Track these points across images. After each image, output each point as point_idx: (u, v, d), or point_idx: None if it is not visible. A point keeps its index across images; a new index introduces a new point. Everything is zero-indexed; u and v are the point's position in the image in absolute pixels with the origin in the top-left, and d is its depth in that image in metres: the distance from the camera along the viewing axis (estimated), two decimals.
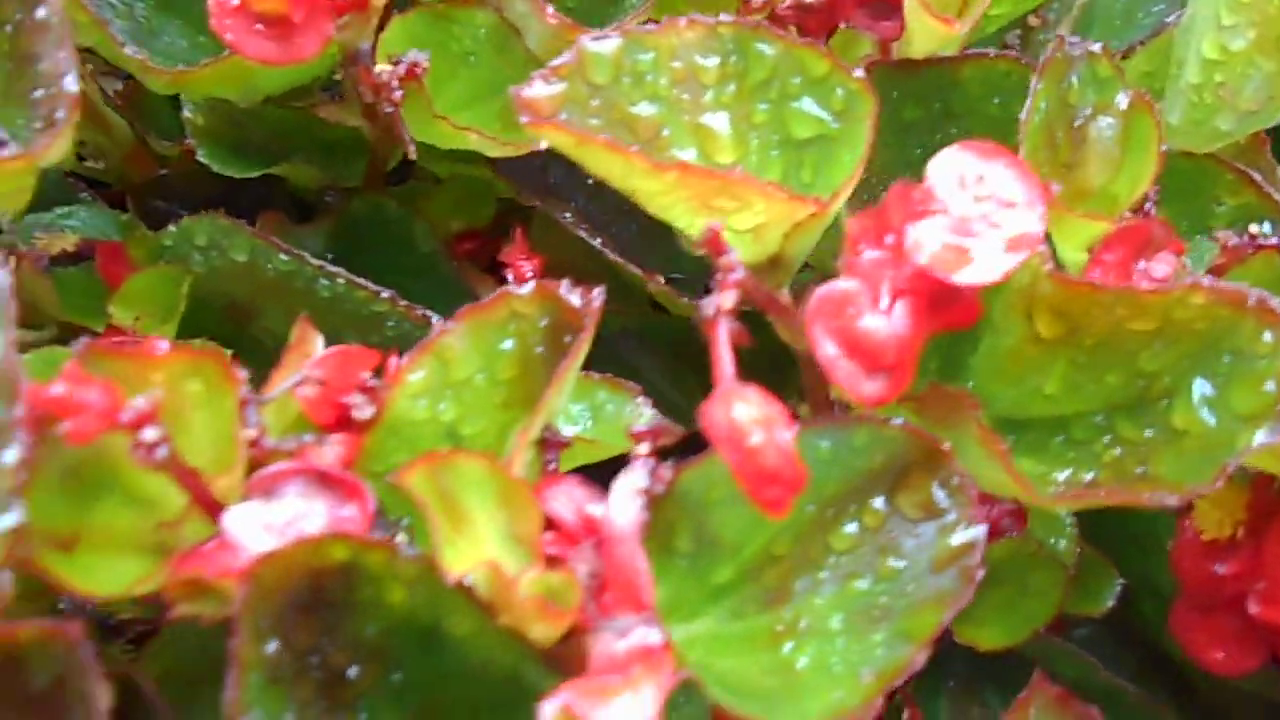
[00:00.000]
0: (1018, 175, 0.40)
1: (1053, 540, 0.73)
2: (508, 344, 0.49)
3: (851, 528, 0.47)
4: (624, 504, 0.39)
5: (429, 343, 0.46)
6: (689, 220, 0.48)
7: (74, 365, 0.37)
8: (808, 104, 0.51)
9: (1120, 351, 0.49)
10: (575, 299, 0.49)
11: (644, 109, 0.49)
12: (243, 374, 0.42)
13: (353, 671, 0.42)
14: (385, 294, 0.64)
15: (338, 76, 0.80)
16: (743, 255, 0.51)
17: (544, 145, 0.56)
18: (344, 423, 0.45)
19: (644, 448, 0.44)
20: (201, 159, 0.77)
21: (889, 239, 0.42)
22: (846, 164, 0.50)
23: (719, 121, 0.51)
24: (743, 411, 0.36)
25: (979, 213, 0.40)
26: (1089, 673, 0.72)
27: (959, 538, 0.44)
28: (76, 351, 0.38)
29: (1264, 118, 0.62)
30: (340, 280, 0.64)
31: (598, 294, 0.48)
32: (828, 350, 0.40)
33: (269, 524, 0.39)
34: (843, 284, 0.40)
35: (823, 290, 0.40)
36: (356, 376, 0.45)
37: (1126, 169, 0.57)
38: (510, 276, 0.64)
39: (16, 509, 0.34)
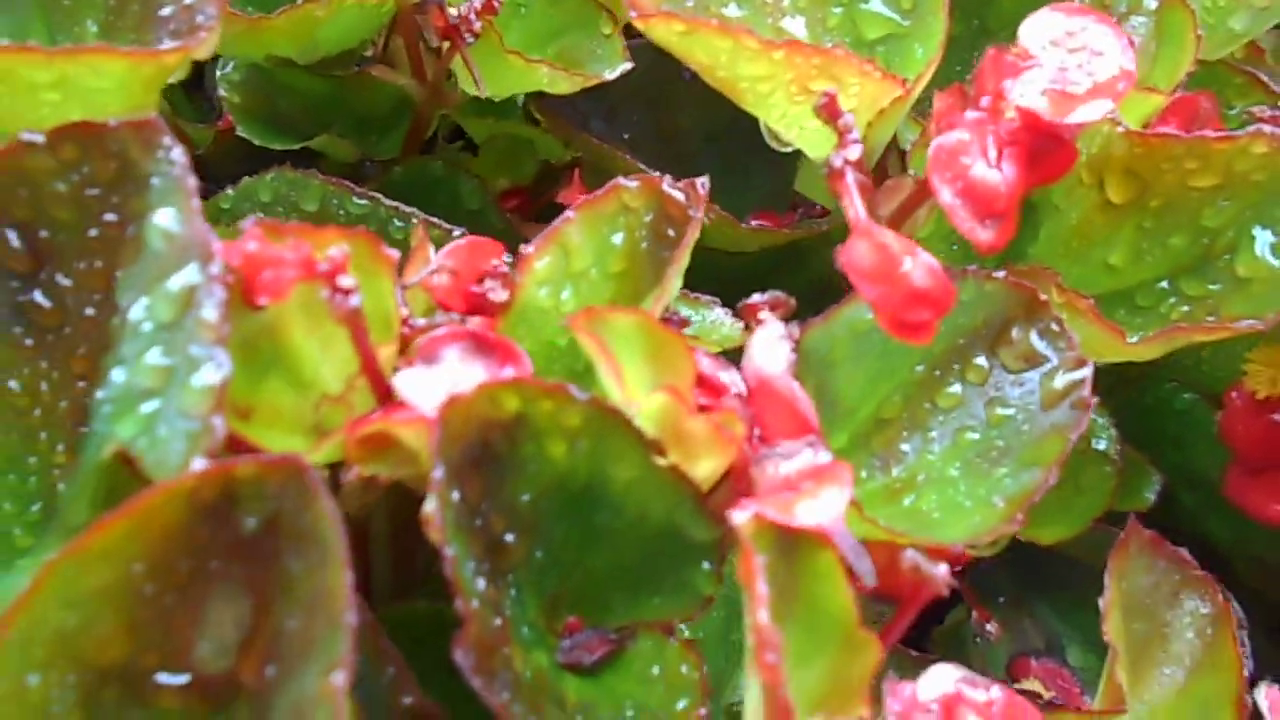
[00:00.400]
0: (1106, 27, 0.44)
1: (1094, 442, 0.77)
2: (617, 237, 0.51)
3: (956, 387, 0.50)
4: (771, 349, 0.41)
5: (553, 232, 0.48)
6: (783, 109, 0.51)
7: (259, 228, 0.39)
8: (877, 5, 0.55)
9: (1185, 211, 0.53)
10: (679, 193, 0.51)
11: (732, 10, 0.52)
12: (394, 254, 0.44)
13: (509, 538, 0.44)
14: (458, 232, 0.66)
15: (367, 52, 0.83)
16: (827, 148, 0.54)
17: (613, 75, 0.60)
18: (475, 309, 0.47)
19: (765, 314, 0.46)
20: (241, 134, 0.79)
21: (984, 100, 0.45)
22: (919, 57, 0.53)
23: (797, 25, 0.54)
24: (889, 240, 0.39)
25: (1075, 63, 0.43)
26: None
27: (1062, 380, 0.47)
28: (248, 227, 0.40)
29: (1275, 12, 0.66)
30: (415, 220, 0.65)
31: (702, 184, 0.51)
32: (946, 197, 0.42)
33: (435, 386, 0.41)
34: (955, 135, 0.43)
35: (939, 141, 0.43)
36: (484, 265, 0.47)
37: (1161, 61, 0.61)
38: None
39: (225, 361, 0.36)
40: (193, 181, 0.38)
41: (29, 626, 0.33)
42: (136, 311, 0.39)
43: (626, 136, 0.88)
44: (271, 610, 0.36)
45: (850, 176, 0.41)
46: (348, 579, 0.32)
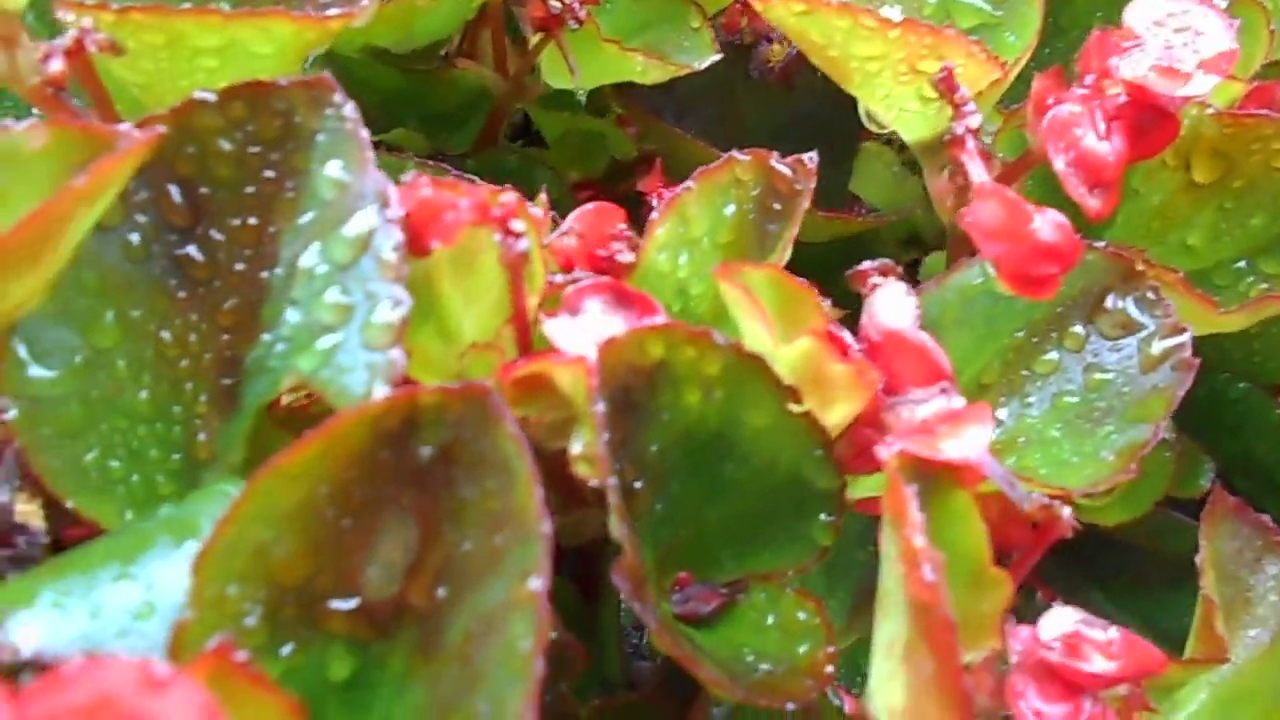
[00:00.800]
0: (1207, 9, 0.46)
1: None
2: (729, 209, 0.54)
3: (1053, 354, 0.52)
4: (897, 304, 0.43)
5: (674, 199, 0.51)
6: (888, 89, 0.53)
7: (427, 178, 0.41)
8: None
9: (1267, 191, 0.55)
10: (786, 169, 0.54)
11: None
12: (539, 213, 0.46)
13: (638, 486, 0.46)
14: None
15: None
16: (925, 129, 0.57)
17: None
18: (600, 271, 0.49)
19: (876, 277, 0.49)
20: None
21: (1088, 79, 0.48)
22: (1013, 45, 0.56)
23: (894, 14, 0.57)
24: (1015, 198, 0.41)
25: (1180, 41, 0.46)
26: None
27: (1159, 346, 0.50)
28: (405, 180, 0.42)
29: None
30: None
31: (810, 158, 0.53)
32: (1060, 165, 0.45)
33: (581, 334, 0.43)
34: (1068, 107, 0.45)
35: (1054, 112, 0.45)
36: (608, 230, 0.49)
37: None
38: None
39: (405, 298, 0.38)
40: (365, 134, 0.41)
41: (234, 538, 0.35)
42: (308, 258, 0.41)
43: (694, 132, 0.91)
44: (439, 536, 0.38)
45: (971, 143, 0.43)
46: (538, 494, 0.34)
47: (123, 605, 0.35)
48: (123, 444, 0.47)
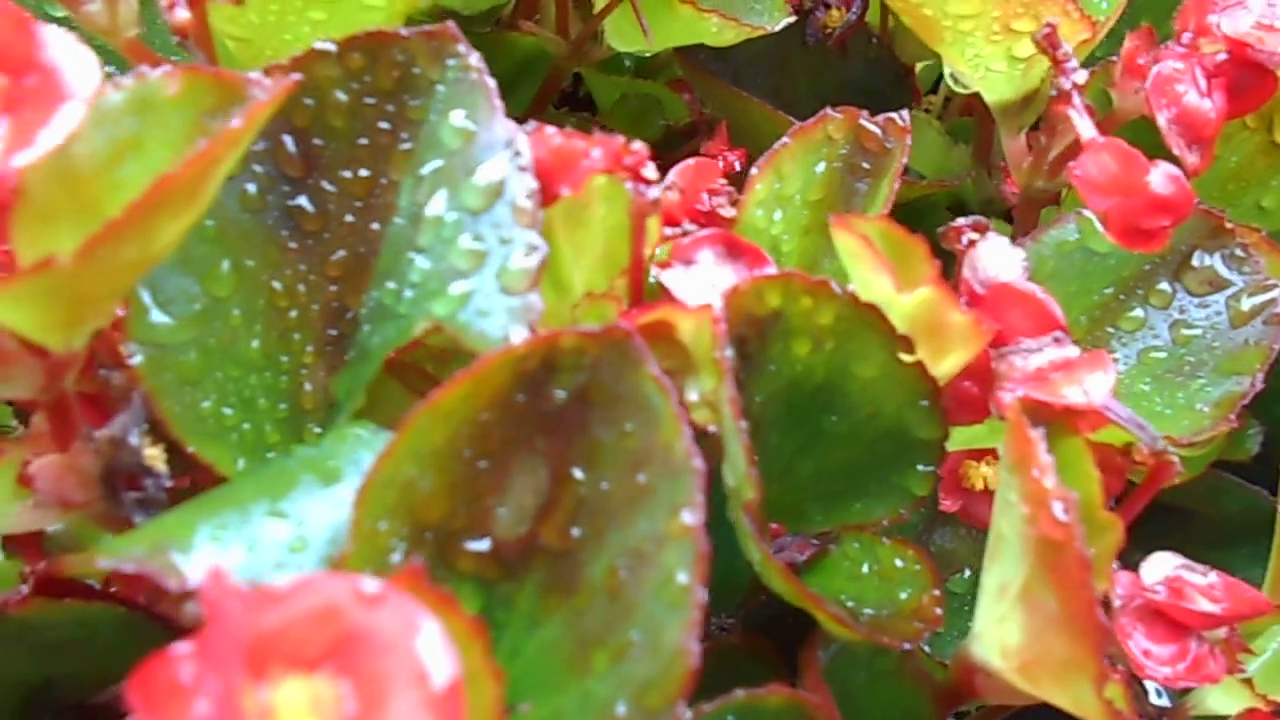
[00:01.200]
0: None
1: None
2: (820, 166, 0.54)
3: (1138, 311, 0.53)
4: (1004, 256, 0.44)
5: (772, 156, 0.51)
6: (978, 49, 0.54)
7: (552, 130, 0.41)
8: None
9: None
10: (875, 127, 0.54)
11: None
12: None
13: None
14: None
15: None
16: (1010, 90, 0.57)
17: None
18: (699, 225, 0.50)
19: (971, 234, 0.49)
20: None
21: (1185, 37, 0.48)
22: (1100, 5, 0.56)
23: None
24: (1131, 150, 0.42)
25: None
26: (1255, 501, 0.79)
27: (1249, 303, 0.51)
28: (533, 128, 0.43)
29: None
30: None
31: (902, 117, 0.54)
32: (1162, 120, 0.46)
33: (695, 284, 0.44)
34: (1171, 63, 0.46)
35: (1157, 68, 0.46)
36: (709, 184, 0.50)
37: None
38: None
39: (541, 243, 0.39)
40: (491, 82, 0.41)
41: (388, 474, 0.36)
42: (435, 206, 0.42)
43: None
44: (570, 479, 0.39)
45: (1077, 99, 0.44)
46: (685, 432, 0.35)
47: (277, 540, 0.36)
48: (235, 392, 0.47)
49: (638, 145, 0.40)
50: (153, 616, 0.52)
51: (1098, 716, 0.35)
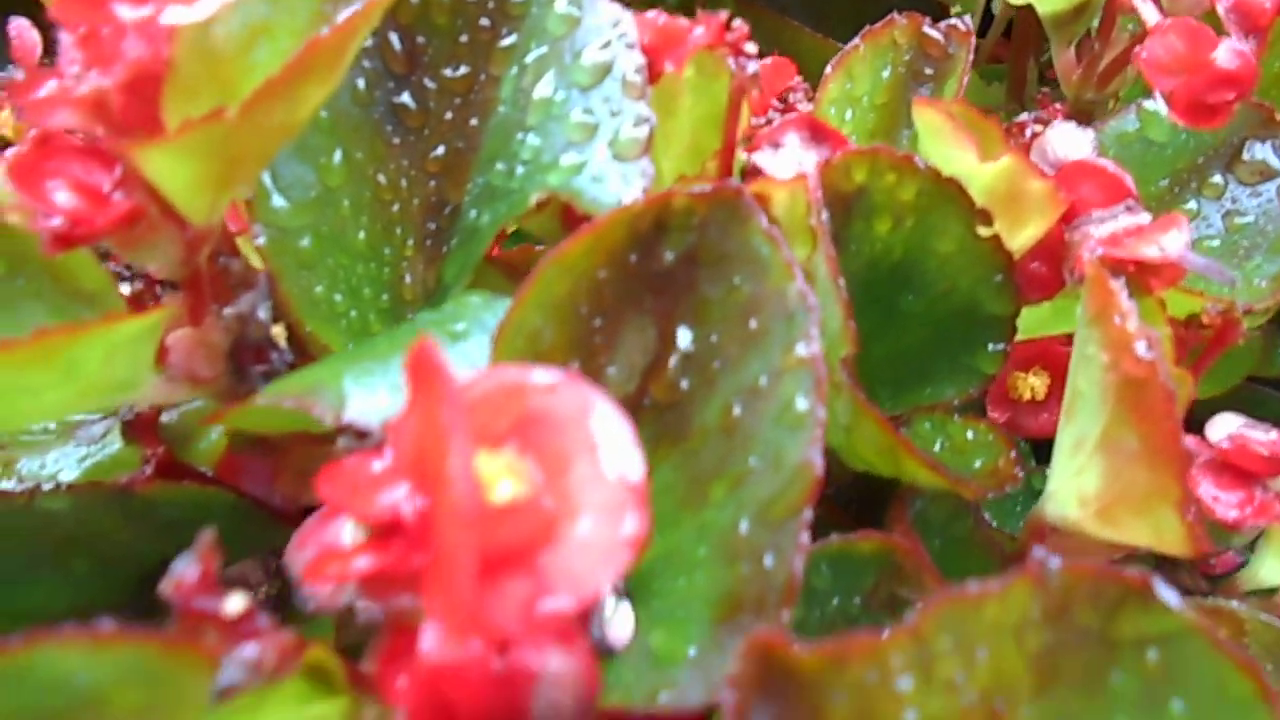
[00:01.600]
0: None
1: None
2: (885, 71, 0.57)
3: (1192, 203, 0.56)
4: (1073, 138, 0.47)
5: (844, 57, 0.54)
6: None
7: (653, 13, 0.44)
8: None
9: None
10: (937, 34, 0.57)
11: None
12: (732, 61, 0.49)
13: None
14: None
15: None
16: (1058, 3, 0.60)
17: None
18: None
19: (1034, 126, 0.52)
20: None
21: None
22: None
23: None
24: (1199, 25, 0.44)
25: None
26: None
27: None
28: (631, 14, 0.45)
29: None
30: None
31: (965, 22, 0.56)
32: (1221, 8, 0.48)
33: (784, 164, 0.46)
34: None
35: None
36: (786, 82, 0.52)
37: None
38: None
39: (650, 114, 0.41)
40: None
41: (517, 322, 0.38)
42: (543, 88, 0.44)
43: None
44: (676, 337, 0.42)
45: None
46: (796, 274, 0.37)
47: None
48: (345, 280, 0.50)
49: (738, 22, 0.43)
50: (258, 504, 0.55)
51: (1180, 539, 0.38)
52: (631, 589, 0.41)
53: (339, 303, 0.50)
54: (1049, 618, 0.30)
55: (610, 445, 0.27)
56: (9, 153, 0.40)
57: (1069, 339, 0.62)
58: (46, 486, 0.49)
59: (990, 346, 0.51)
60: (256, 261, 0.49)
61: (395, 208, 0.51)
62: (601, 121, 0.42)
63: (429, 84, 0.50)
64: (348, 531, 0.33)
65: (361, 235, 0.50)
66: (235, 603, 0.29)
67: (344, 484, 0.31)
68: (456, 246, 0.49)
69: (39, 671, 0.25)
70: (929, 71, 0.59)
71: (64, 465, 0.54)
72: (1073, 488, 0.45)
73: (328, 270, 0.49)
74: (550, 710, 0.30)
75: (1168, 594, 0.29)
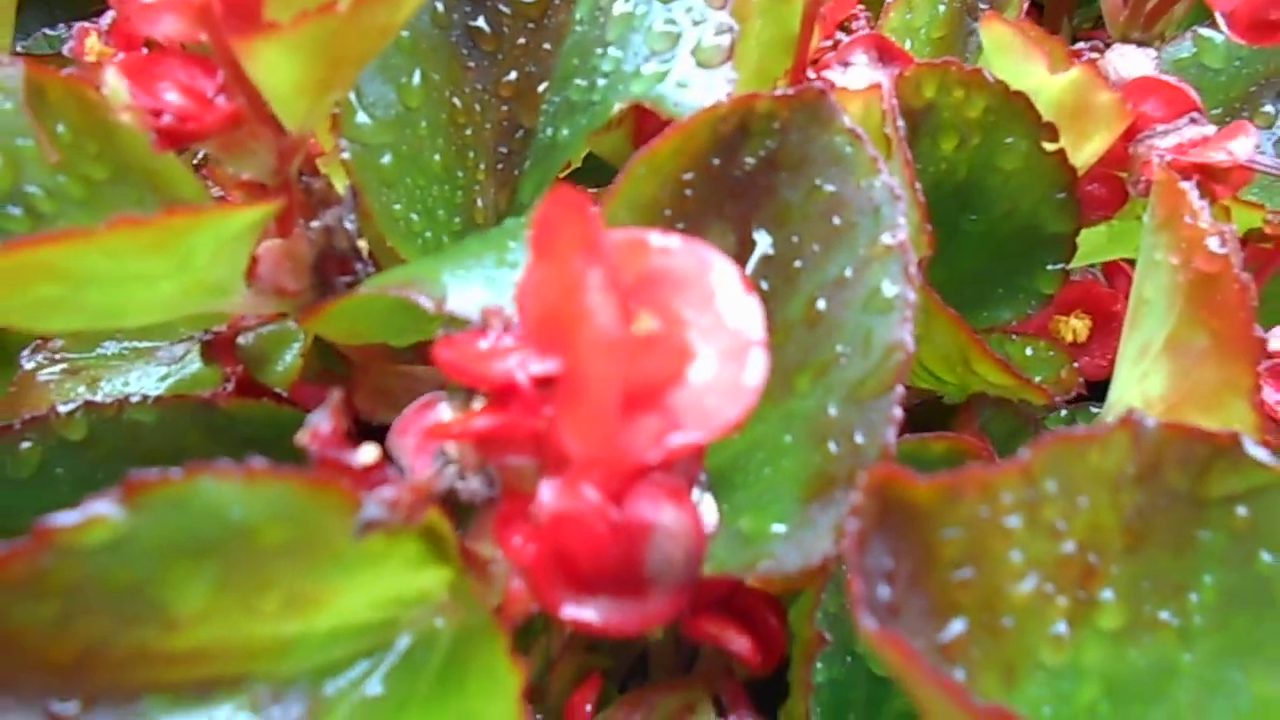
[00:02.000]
0: None
1: None
2: (941, 7, 0.58)
3: None
4: (1133, 58, 0.48)
5: None
6: None
7: None
8: None
9: None
10: None
11: None
12: None
13: None
14: None
15: None
16: None
17: None
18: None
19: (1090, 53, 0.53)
20: None
21: None
22: None
23: None
24: None
25: None
26: None
27: None
28: None
29: None
30: None
31: None
32: None
33: (855, 79, 0.47)
34: None
35: None
36: (848, 10, 0.54)
37: None
38: None
39: (732, 22, 0.43)
40: None
41: (609, 217, 0.40)
42: (623, 4, 0.46)
43: None
44: (755, 240, 0.43)
45: None
46: (883, 172, 0.38)
47: (510, 280, 0.40)
48: (421, 200, 0.52)
49: None
50: None
51: (1253, 430, 0.39)
52: (714, 484, 0.42)
53: (415, 222, 0.51)
54: (1141, 478, 0.31)
55: (729, 298, 0.29)
56: (117, 58, 0.41)
57: (1110, 281, 0.63)
58: (134, 399, 0.50)
59: (1049, 266, 0.52)
60: (336, 184, 0.51)
61: (469, 131, 0.52)
62: (684, 30, 0.43)
63: (503, 8, 0.51)
64: (445, 412, 0.35)
65: (437, 157, 0.52)
66: (367, 453, 0.30)
67: (463, 353, 0.32)
68: (531, 167, 0.50)
69: (197, 501, 0.27)
70: (984, 7, 0.60)
71: (146, 384, 0.55)
72: (1136, 393, 0.46)
73: (406, 189, 0.51)
74: (663, 562, 0.31)
75: (1257, 450, 0.31)
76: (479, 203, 0.53)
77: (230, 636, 0.29)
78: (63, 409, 0.49)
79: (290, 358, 0.56)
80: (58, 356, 0.57)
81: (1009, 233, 0.52)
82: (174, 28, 0.41)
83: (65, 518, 0.26)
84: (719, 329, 0.28)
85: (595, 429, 0.26)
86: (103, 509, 0.26)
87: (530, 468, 0.34)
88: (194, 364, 0.56)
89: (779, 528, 0.38)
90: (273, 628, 0.31)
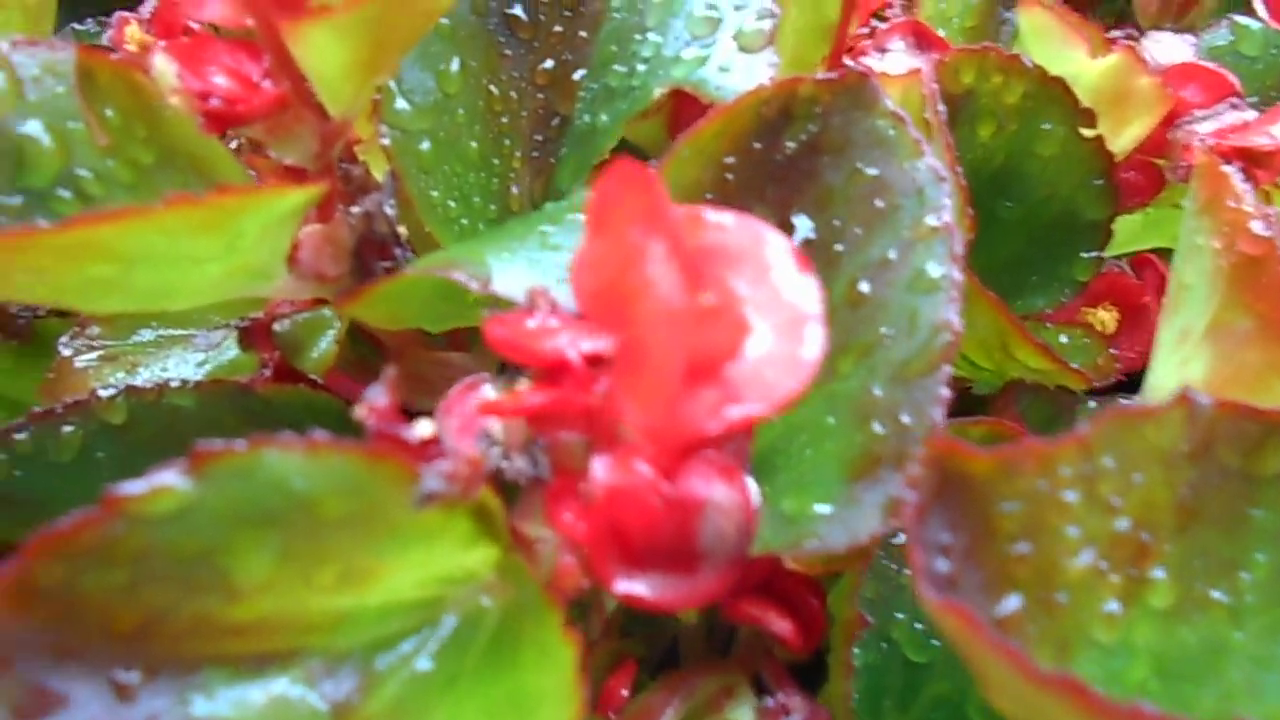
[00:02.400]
0: None
1: None
2: None
3: None
4: (1173, 44, 0.48)
5: None
6: None
7: None
8: None
9: None
10: None
11: None
12: None
13: None
14: None
15: None
16: None
17: None
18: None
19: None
20: None
21: None
22: None
23: None
24: None
25: None
26: None
27: None
28: None
29: None
30: None
31: None
32: None
33: (892, 65, 0.48)
34: None
35: None
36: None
37: None
38: None
39: (774, 9, 0.43)
40: None
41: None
42: None
43: None
44: (795, 225, 0.43)
45: None
46: (925, 150, 0.38)
47: (553, 262, 0.40)
48: (458, 187, 0.52)
49: None
50: None
51: None
52: (756, 467, 0.42)
53: (452, 209, 0.51)
54: (1195, 456, 0.31)
55: (785, 273, 0.29)
56: (162, 44, 0.42)
57: (1138, 273, 0.63)
58: (174, 384, 0.51)
59: (1084, 254, 0.52)
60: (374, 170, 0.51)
61: (505, 119, 0.53)
62: (725, 15, 0.43)
63: None
64: (490, 393, 0.35)
65: (474, 144, 0.52)
66: (423, 427, 0.30)
67: (514, 331, 0.32)
68: (568, 154, 0.51)
69: (261, 472, 0.27)
70: None
71: (184, 370, 0.56)
72: (1175, 379, 0.46)
73: (443, 176, 0.51)
74: (716, 537, 0.32)
75: None
76: (514, 189, 0.53)
77: (289, 609, 0.29)
78: (103, 393, 0.50)
79: (325, 344, 0.57)
80: (95, 343, 0.58)
81: (1045, 219, 0.52)
82: (221, 11, 0.41)
83: (133, 486, 0.26)
84: (776, 303, 0.28)
85: (657, 400, 0.26)
86: (169, 479, 0.26)
87: (580, 444, 0.34)
88: (231, 350, 0.56)
89: (822, 508, 0.38)
90: (328, 601, 0.31)
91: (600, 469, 0.31)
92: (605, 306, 0.29)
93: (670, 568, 0.32)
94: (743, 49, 0.43)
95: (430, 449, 0.31)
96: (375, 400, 0.30)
